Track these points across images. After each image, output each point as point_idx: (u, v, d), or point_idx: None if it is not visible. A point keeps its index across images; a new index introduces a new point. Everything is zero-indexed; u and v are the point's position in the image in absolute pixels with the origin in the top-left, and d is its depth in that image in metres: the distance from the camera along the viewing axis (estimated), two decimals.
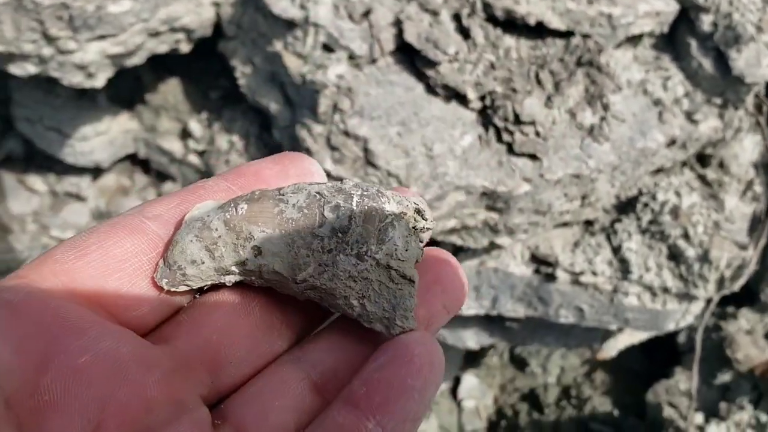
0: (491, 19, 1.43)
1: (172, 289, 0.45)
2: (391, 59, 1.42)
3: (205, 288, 0.47)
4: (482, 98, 1.40)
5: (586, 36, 1.47)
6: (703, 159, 1.77)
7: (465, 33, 1.41)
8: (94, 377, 0.37)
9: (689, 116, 1.56)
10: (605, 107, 1.45)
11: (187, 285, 0.45)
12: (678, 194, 1.65)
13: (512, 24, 1.44)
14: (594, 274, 1.61)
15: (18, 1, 1.31)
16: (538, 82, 1.42)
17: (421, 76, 1.41)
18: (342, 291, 0.45)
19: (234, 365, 0.43)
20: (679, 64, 1.60)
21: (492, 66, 1.40)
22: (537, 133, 1.39)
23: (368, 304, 0.46)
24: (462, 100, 1.40)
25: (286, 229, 0.45)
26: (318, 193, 0.46)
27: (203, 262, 0.45)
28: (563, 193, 1.45)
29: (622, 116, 1.47)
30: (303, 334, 0.47)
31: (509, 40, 1.44)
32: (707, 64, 1.56)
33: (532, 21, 1.41)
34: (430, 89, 1.41)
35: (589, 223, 1.67)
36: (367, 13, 1.38)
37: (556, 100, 1.42)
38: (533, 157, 1.39)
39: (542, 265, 1.62)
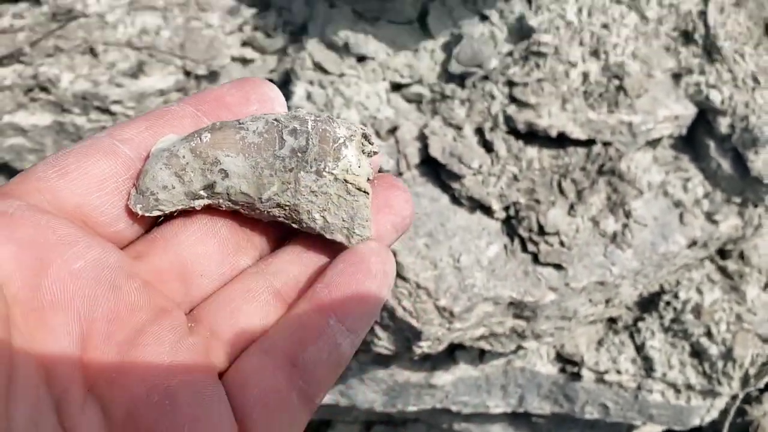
0: (513, 131, 1.47)
1: (146, 214, 0.48)
2: (417, 172, 1.46)
3: (176, 213, 0.50)
4: (506, 209, 1.43)
5: (606, 144, 1.51)
6: (723, 251, 1.79)
7: (488, 146, 1.45)
8: (88, 281, 0.42)
9: (709, 217, 1.59)
10: (627, 214, 1.48)
11: (160, 210, 0.48)
12: (700, 291, 1.66)
13: (534, 135, 1.48)
14: (618, 372, 1.63)
15: (60, 125, 1.37)
16: (561, 191, 1.46)
17: (446, 188, 1.45)
18: (305, 206, 0.50)
19: (204, 278, 0.48)
20: (699, 165, 1.63)
21: (515, 178, 1.44)
22: (561, 243, 1.42)
23: (329, 216, 0.50)
24: (487, 210, 1.43)
25: (249, 153, 0.49)
26: (275, 119, 0.50)
27: (173, 187, 0.48)
28: (588, 299, 1.47)
29: (644, 221, 1.50)
30: (265, 253, 0.52)
31: (531, 151, 1.48)
32: (726, 165, 1.59)
33: (553, 133, 1.45)
34: (456, 200, 1.44)
35: (612, 321, 1.69)
36: (393, 130, 1.43)
37: (579, 209, 1.45)
38: (558, 266, 1.42)
39: (568, 364, 1.63)
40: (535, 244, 1.41)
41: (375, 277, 0.47)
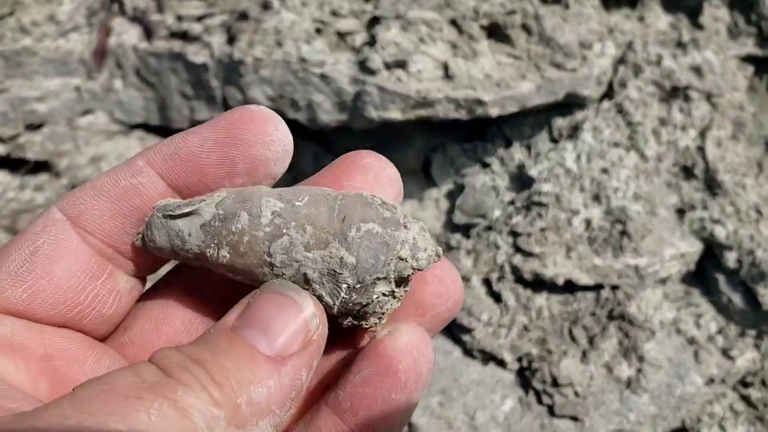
0: (520, 280, 1.49)
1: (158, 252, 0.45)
2: None
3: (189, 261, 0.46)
4: (519, 359, 1.44)
5: (615, 287, 1.52)
6: (744, 381, 1.76)
7: (496, 296, 1.47)
8: None
9: (725, 352, 1.58)
10: (640, 358, 1.48)
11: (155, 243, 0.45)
12: (722, 428, 1.63)
13: (541, 282, 1.50)
14: None
15: None
16: (572, 338, 1.46)
17: (458, 340, 1.46)
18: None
19: None
20: (710, 299, 1.63)
21: (525, 328, 1.45)
22: (576, 393, 1.41)
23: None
24: (499, 362, 1.44)
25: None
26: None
27: (190, 235, 0.45)
28: None
29: (657, 362, 1.49)
30: None
31: (540, 299, 1.49)
32: (737, 299, 1.59)
33: (560, 281, 1.46)
34: (468, 352, 1.45)
35: None
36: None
37: (591, 356, 1.45)
38: (574, 418, 1.40)
39: None
40: (550, 396, 1.40)
41: (404, 388, 0.43)
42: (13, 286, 0.43)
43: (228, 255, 0.44)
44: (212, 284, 0.49)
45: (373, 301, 0.44)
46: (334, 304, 0.44)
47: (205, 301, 0.49)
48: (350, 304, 0.44)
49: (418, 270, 0.44)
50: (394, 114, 1.39)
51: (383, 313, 0.45)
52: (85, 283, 0.44)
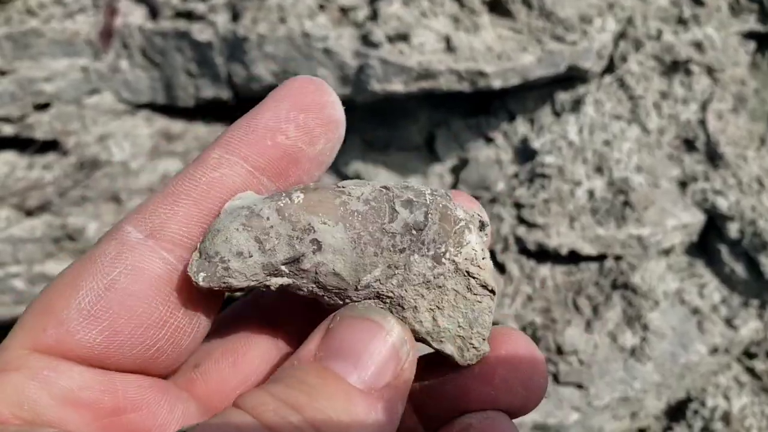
0: (524, 251, 1.51)
1: (209, 286, 0.38)
2: None
3: (243, 292, 0.40)
4: (523, 329, 1.45)
5: (618, 258, 1.53)
6: (749, 351, 1.77)
7: (500, 267, 1.49)
8: None
9: (729, 322, 1.59)
10: (644, 327, 1.49)
11: (226, 283, 0.39)
12: (727, 398, 1.64)
13: (545, 253, 1.51)
14: None
15: None
16: (576, 308, 1.48)
17: None
18: (412, 300, 0.39)
19: None
20: (713, 269, 1.65)
21: (529, 298, 1.47)
22: (580, 362, 1.42)
23: (441, 317, 0.39)
24: None
25: (351, 223, 0.38)
26: (384, 187, 0.40)
27: (251, 256, 0.38)
28: (612, 415, 1.46)
29: (662, 332, 1.51)
30: None
31: (544, 270, 1.50)
32: (739, 269, 1.60)
33: (564, 251, 1.48)
34: None
35: (642, 431, 1.66)
36: None
37: (595, 325, 1.46)
38: (579, 385, 1.42)
39: None
40: (554, 364, 1.42)
41: None
42: (86, 327, 0.38)
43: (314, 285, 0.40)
44: (293, 314, 0.46)
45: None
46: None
47: (287, 335, 0.46)
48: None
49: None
50: (397, 86, 1.41)
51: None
52: (167, 315, 0.40)
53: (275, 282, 0.39)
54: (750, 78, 1.87)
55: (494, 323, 1.39)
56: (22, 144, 1.62)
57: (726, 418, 1.61)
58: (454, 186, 1.57)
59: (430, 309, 0.39)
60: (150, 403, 0.40)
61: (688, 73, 1.72)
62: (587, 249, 1.49)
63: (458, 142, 1.64)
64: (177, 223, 0.40)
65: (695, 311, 1.57)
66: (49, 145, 1.61)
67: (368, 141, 1.62)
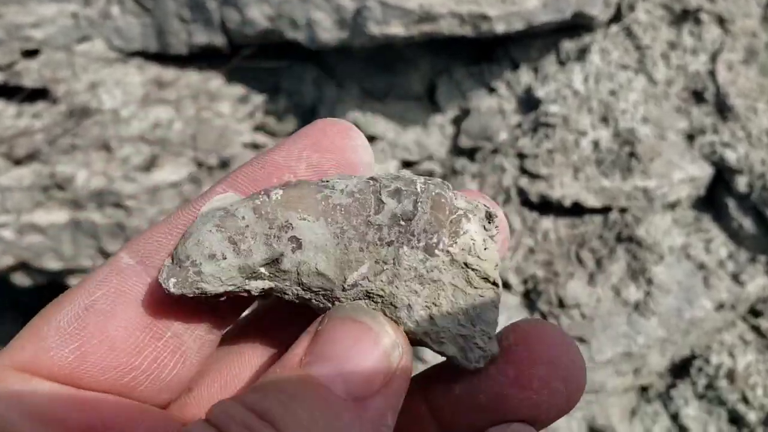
0: (527, 203, 1.46)
1: (182, 292, 0.35)
2: None
3: (222, 298, 0.37)
4: (524, 282, 1.41)
5: (623, 210, 1.49)
6: (755, 309, 1.74)
7: None
8: None
9: (735, 278, 1.55)
10: (649, 281, 1.45)
11: (200, 288, 0.35)
12: (732, 355, 1.61)
13: (548, 205, 1.47)
14: None
15: (76, 223, 1.39)
16: (579, 261, 1.44)
17: None
18: (404, 298, 0.35)
19: None
20: (720, 224, 1.60)
21: (531, 250, 1.43)
22: (582, 315, 1.39)
23: (438, 315, 0.35)
24: (504, 285, 1.41)
25: (333, 217, 0.35)
26: (372, 178, 0.36)
27: (224, 258, 0.35)
28: (615, 371, 1.43)
29: (666, 287, 1.47)
30: None
31: (546, 222, 1.46)
32: (747, 224, 1.56)
33: (567, 203, 1.43)
34: None
35: (644, 389, 1.64)
36: None
37: (598, 278, 1.42)
38: (581, 339, 1.38)
39: None
40: (556, 317, 1.38)
41: None
42: (60, 345, 0.37)
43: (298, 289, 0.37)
44: (289, 328, 0.42)
45: None
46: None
47: (284, 350, 0.42)
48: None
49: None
50: (397, 29, 1.36)
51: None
52: (144, 343, 0.38)
53: (255, 286, 0.36)
54: (761, 31, 1.80)
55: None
56: (9, 92, 1.58)
57: (731, 375, 1.58)
58: (456, 135, 1.53)
59: (426, 307, 0.35)
60: (124, 425, 0.38)
61: (697, 22, 1.66)
62: (591, 201, 1.45)
63: (460, 91, 1.59)
64: (168, 252, 0.38)
65: (701, 266, 1.53)
66: (38, 93, 1.57)
67: (366, 90, 1.57)
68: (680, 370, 1.64)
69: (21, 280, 1.46)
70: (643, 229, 1.49)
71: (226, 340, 0.43)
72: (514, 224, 1.43)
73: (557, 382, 0.36)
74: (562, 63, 1.59)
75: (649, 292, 1.45)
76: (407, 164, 1.48)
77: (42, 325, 0.37)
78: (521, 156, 1.46)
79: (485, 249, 0.36)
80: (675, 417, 1.59)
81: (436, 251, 0.35)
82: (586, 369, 0.37)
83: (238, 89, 1.56)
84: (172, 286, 0.35)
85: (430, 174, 1.51)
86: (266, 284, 0.36)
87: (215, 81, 1.55)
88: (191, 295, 0.35)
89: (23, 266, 1.45)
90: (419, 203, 0.35)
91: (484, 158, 1.48)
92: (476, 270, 0.36)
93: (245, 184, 0.39)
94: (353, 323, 0.34)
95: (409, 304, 0.35)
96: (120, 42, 1.58)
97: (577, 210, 1.48)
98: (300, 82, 1.60)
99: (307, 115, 1.60)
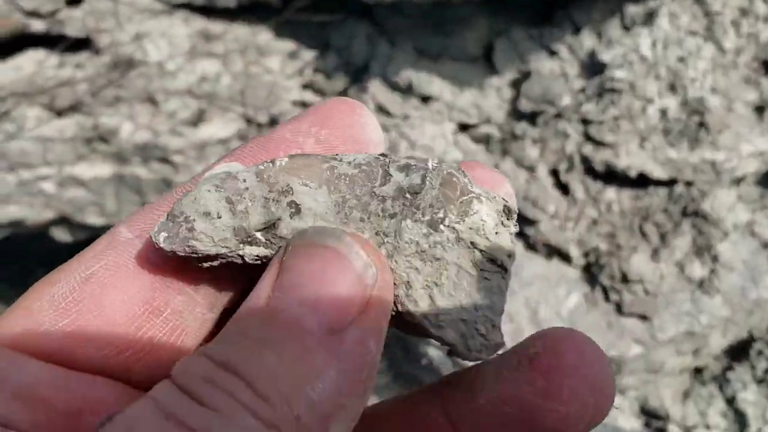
0: (590, 171, 1.39)
1: (171, 249, 0.33)
2: None
3: (215, 263, 0.35)
4: (586, 255, 1.35)
5: (689, 183, 1.42)
6: None
7: (564, 188, 1.38)
8: None
9: None
10: (714, 258, 1.38)
11: (191, 247, 0.33)
12: None
13: (612, 175, 1.40)
14: (707, 427, 1.51)
15: (120, 177, 1.34)
16: (643, 235, 1.37)
17: (520, 234, 1.37)
18: (404, 273, 0.33)
19: None
20: None
21: (594, 222, 1.36)
22: (645, 291, 1.32)
23: (439, 296, 0.33)
24: (565, 257, 1.35)
25: (336, 186, 0.34)
26: (383, 154, 0.35)
27: (219, 217, 0.33)
28: (675, 350, 1.37)
29: (731, 265, 1.40)
30: None
31: (610, 193, 1.39)
32: None
33: (633, 173, 1.36)
34: (531, 246, 1.37)
35: (698, 371, 1.57)
36: None
37: (663, 254, 1.36)
38: (643, 317, 1.32)
39: (652, 418, 1.52)
40: (618, 292, 1.32)
41: None
42: (53, 319, 0.34)
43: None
44: None
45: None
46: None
47: None
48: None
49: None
50: None
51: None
52: (142, 319, 0.36)
53: (249, 252, 0.34)
54: None
55: (554, 246, 1.27)
56: (51, 41, 1.52)
57: None
58: (515, 99, 1.45)
59: (427, 286, 0.33)
60: (113, 408, 0.33)
61: None
62: (657, 172, 1.37)
63: (518, 53, 1.51)
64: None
65: (766, 245, 1.46)
66: (81, 44, 1.51)
67: (420, 48, 1.50)
68: (738, 352, 1.57)
69: (61, 235, 1.42)
70: (709, 203, 1.42)
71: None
72: (576, 194, 1.37)
73: (588, 394, 0.34)
74: (626, 27, 1.51)
75: (713, 270, 1.38)
76: (464, 127, 1.42)
77: (34, 299, 0.35)
78: (585, 122, 1.38)
79: (496, 233, 0.33)
80: (731, 401, 1.53)
81: (441, 226, 0.33)
82: (614, 379, 0.35)
83: (288, 44, 1.49)
84: (162, 240, 0.33)
85: (488, 138, 1.44)
86: (261, 251, 0.34)
87: (264, 35, 1.48)
88: (182, 254, 0.33)
89: (64, 221, 1.40)
90: (428, 178, 0.33)
91: (545, 123, 1.41)
92: (483, 251, 0.33)
93: (249, 159, 0.38)
94: (318, 249, 0.31)
95: (408, 282, 0.33)
96: None
97: (642, 181, 1.40)
98: (351, 39, 1.53)
99: (358, 73, 1.54)
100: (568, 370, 0.34)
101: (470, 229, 0.33)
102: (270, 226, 0.33)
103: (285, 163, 0.34)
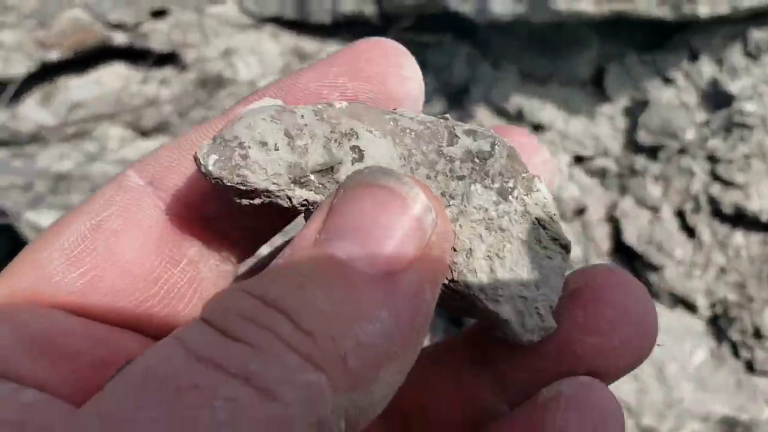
0: (717, 213, 1.28)
1: (221, 174, 0.30)
2: (608, 260, 1.28)
3: (252, 202, 0.31)
4: (713, 306, 1.23)
5: None
6: None
7: (689, 231, 1.26)
8: None
9: None
10: None
11: (241, 176, 0.30)
12: None
13: (741, 218, 1.28)
14: None
15: None
16: None
17: (643, 279, 1.26)
18: (466, 240, 0.31)
19: None
20: None
21: (722, 270, 1.24)
22: None
23: (500, 269, 0.31)
24: (690, 307, 1.23)
25: (401, 139, 0.31)
26: (444, 118, 0.33)
27: (277, 149, 0.30)
28: None
29: None
30: None
31: (739, 238, 1.27)
32: None
33: (765, 217, 1.24)
34: (654, 295, 1.25)
35: None
36: (580, 212, 1.25)
37: None
38: None
39: None
40: (749, 349, 1.20)
41: None
42: (65, 269, 0.32)
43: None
44: None
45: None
46: None
47: None
48: None
49: None
50: (586, 6, 1.17)
51: None
52: (160, 269, 0.34)
53: (299, 195, 0.31)
54: None
55: (680, 295, 1.15)
56: (133, 55, 1.43)
57: None
58: (631, 129, 1.34)
59: (488, 257, 0.31)
60: None
61: None
62: None
63: (631, 79, 1.40)
64: (180, 174, 0.34)
65: None
66: (165, 58, 1.42)
67: (525, 72, 1.39)
68: None
69: None
70: None
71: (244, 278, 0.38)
72: (702, 237, 1.25)
73: (627, 326, 0.32)
74: (750, 55, 1.39)
75: None
76: (578, 159, 1.30)
77: (43, 248, 0.33)
78: (712, 159, 1.27)
79: (555, 214, 0.32)
80: None
81: (510, 197, 0.32)
82: (657, 316, 0.33)
83: None
84: (212, 163, 0.29)
85: (604, 172, 1.32)
86: (311, 195, 0.31)
87: None
88: (228, 183, 0.30)
89: None
90: (497, 146, 0.32)
91: (668, 158, 1.29)
92: (548, 229, 0.32)
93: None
94: (375, 189, 0.29)
95: (470, 249, 0.31)
96: (254, 6, 1.42)
97: None
98: (449, 59, 1.43)
99: (456, 95, 1.43)
100: (607, 303, 0.33)
101: (536, 204, 0.32)
102: (328, 169, 0.31)
103: (345, 107, 0.31)
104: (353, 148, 0.31)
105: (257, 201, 0.31)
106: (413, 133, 0.31)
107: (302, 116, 0.31)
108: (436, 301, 0.29)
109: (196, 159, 0.30)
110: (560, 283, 0.32)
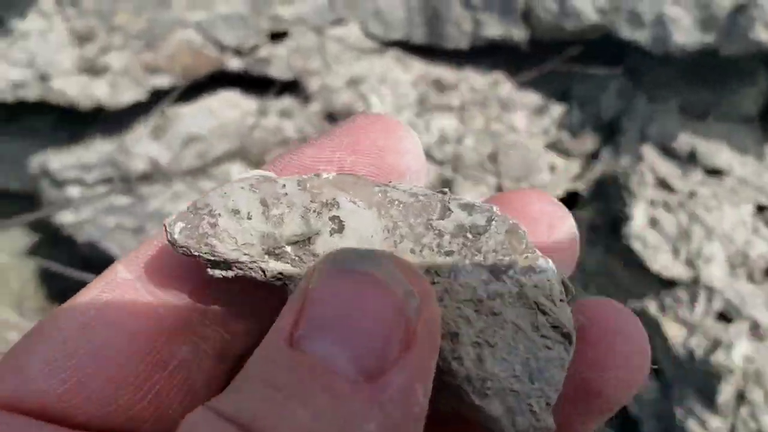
0: None
1: (186, 243, 0.29)
2: None
3: (225, 275, 0.30)
4: None
5: None
6: None
7: None
8: None
9: None
10: None
11: (209, 245, 0.29)
12: None
13: None
14: None
15: None
16: None
17: None
18: (451, 322, 0.28)
19: None
20: None
21: None
22: None
23: (490, 358, 0.28)
24: None
25: (387, 210, 0.30)
26: (441, 191, 0.32)
27: (249, 218, 0.30)
28: None
29: None
30: None
31: None
32: None
33: None
34: None
35: None
36: None
37: None
38: None
39: None
40: None
41: None
42: (47, 375, 0.31)
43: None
44: None
45: None
46: None
47: None
48: None
49: None
50: None
51: None
52: (145, 374, 0.32)
53: (273, 268, 0.30)
54: None
55: None
56: (250, 84, 1.30)
57: None
58: None
59: (476, 343, 0.28)
60: None
61: None
62: None
63: None
64: (171, 266, 0.33)
65: None
66: (285, 87, 1.29)
67: (683, 106, 1.24)
68: None
69: None
70: None
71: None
72: None
73: (636, 356, 0.32)
74: None
75: None
76: (760, 209, 1.15)
77: (25, 352, 0.32)
78: None
79: (561, 300, 0.29)
80: None
81: (504, 276, 0.29)
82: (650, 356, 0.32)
83: (531, 96, 1.25)
84: (177, 231, 0.29)
85: None
86: (286, 268, 0.30)
87: (504, 85, 1.24)
88: (195, 252, 0.29)
89: None
90: (494, 221, 0.30)
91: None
92: (548, 315, 0.29)
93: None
94: (351, 275, 0.26)
95: (456, 332, 0.28)
96: (378, 28, 1.28)
97: None
98: (598, 90, 1.29)
99: (605, 130, 1.29)
100: (614, 336, 0.32)
101: (536, 287, 0.29)
102: (304, 241, 0.30)
103: (332, 178, 0.31)
104: (333, 218, 0.30)
105: (230, 273, 0.30)
106: (402, 205, 0.31)
107: (283, 186, 0.30)
108: (428, 398, 0.26)
109: (164, 228, 0.29)
110: (561, 376, 0.29)
